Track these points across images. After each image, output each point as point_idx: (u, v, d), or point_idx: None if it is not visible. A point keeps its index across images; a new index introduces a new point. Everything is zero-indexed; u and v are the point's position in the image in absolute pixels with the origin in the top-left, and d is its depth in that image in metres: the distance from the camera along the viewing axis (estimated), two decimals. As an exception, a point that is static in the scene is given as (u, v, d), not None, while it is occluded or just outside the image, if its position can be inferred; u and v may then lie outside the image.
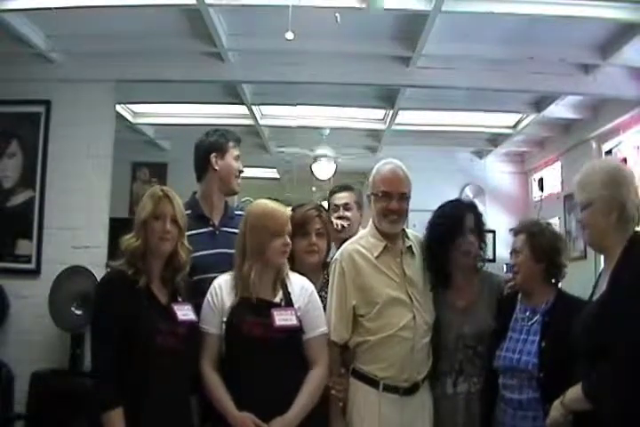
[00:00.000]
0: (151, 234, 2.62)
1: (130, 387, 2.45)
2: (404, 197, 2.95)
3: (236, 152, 3.32)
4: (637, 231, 2.45)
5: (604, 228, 2.41)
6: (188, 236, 2.78)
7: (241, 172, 3.32)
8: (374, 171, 3.03)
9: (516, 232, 2.94)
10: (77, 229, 5.05)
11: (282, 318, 2.65)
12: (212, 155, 3.27)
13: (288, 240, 2.74)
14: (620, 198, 2.40)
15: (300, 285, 2.82)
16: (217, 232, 3.21)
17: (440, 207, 3.14)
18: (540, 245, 2.85)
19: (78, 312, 4.76)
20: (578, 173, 2.56)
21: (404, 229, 3.04)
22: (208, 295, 2.74)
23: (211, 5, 4.43)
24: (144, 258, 2.62)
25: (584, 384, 2.31)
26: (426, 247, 3.05)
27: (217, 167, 3.27)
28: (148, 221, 2.63)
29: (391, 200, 2.92)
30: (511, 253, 2.91)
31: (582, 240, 6.86)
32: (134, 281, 2.57)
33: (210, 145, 3.30)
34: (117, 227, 4.68)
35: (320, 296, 2.90)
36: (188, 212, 3.12)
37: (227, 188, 3.31)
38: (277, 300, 2.73)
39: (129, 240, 2.62)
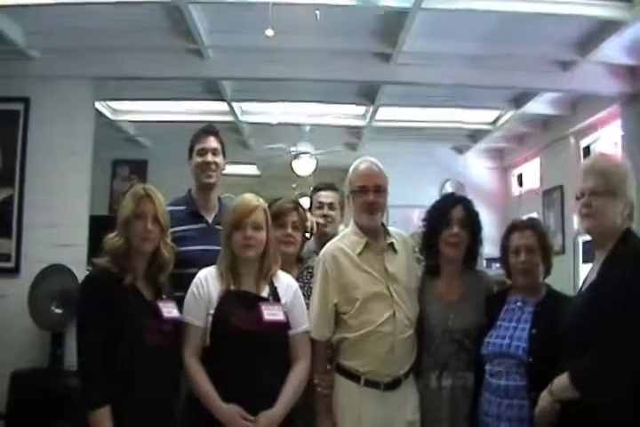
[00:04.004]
0: (133, 233, 2.62)
1: (115, 385, 2.44)
2: (381, 190, 2.99)
3: (199, 146, 3.35)
4: (629, 227, 2.49)
5: (612, 219, 2.43)
6: (181, 231, 2.79)
7: (208, 163, 3.32)
8: (351, 170, 3.08)
9: (520, 228, 2.94)
10: (57, 227, 5.02)
11: (270, 313, 2.66)
12: (188, 160, 3.38)
13: (249, 233, 2.72)
14: (632, 198, 2.48)
15: (285, 281, 2.84)
16: (209, 230, 3.23)
17: (435, 201, 3.18)
18: (549, 246, 2.92)
19: (58, 311, 4.74)
20: (590, 160, 2.62)
21: (385, 227, 3.07)
22: (193, 287, 2.75)
23: (191, 2, 4.44)
24: (127, 256, 2.62)
25: (571, 373, 2.35)
26: (421, 239, 3.11)
27: (190, 168, 3.36)
28: (129, 221, 2.62)
29: (368, 194, 2.95)
30: (517, 249, 2.88)
31: (561, 235, 6.98)
32: (119, 279, 2.57)
33: (188, 151, 3.40)
34: (97, 224, 4.69)
35: None
36: (183, 208, 3.19)
37: (200, 183, 3.35)
38: (265, 294, 2.74)
39: (112, 239, 2.62)
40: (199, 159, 3.33)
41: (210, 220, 3.30)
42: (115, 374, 2.45)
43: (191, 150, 3.38)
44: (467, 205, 3.07)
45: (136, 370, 2.48)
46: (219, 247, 2.88)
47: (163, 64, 5.43)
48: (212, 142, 3.36)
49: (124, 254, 2.61)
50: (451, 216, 3.00)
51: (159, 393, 2.54)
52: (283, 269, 2.93)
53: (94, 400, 2.43)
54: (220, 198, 3.42)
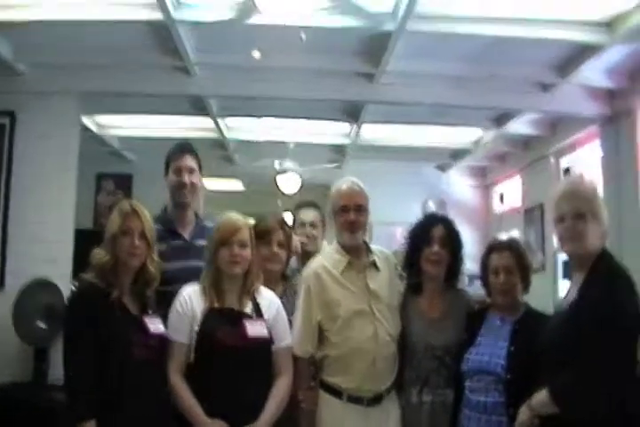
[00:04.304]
0: (120, 249, 2.64)
1: (103, 399, 2.45)
2: (362, 209, 3.04)
3: (175, 165, 3.34)
4: (604, 248, 2.56)
5: (593, 242, 2.50)
6: (160, 249, 2.81)
7: (183, 184, 3.31)
8: (333, 190, 3.13)
9: (499, 249, 2.99)
10: (42, 241, 5.03)
11: (253, 329, 2.70)
12: (165, 176, 3.37)
13: (235, 251, 2.76)
14: (606, 220, 2.55)
15: (268, 298, 2.88)
16: (189, 246, 3.24)
17: (417, 220, 3.23)
18: (527, 266, 2.97)
19: (43, 326, 4.73)
20: (568, 184, 2.66)
21: (367, 245, 3.12)
22: (177, 304, 2.76)
23: (178, 21, 4.48)
24: (114, 272, 2.64)
25: (551, 389, 2.40)
26: (403, 257, 3.16)
27: (166, 183, 3.36)
28: (116, 237, 2.65)
29: (349, 213, 3.01)
30: (496, 270, 2.93)
31: (541, 253, 7.06)
32: (106, 294, 2.59)
33: (164, 166, 3.39)
34: (82, 238, 4.70)
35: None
36: (158, 226, 3.14)
37: (175, 201, 3.34)
38: (248, 311, 2.78)
39: (99, 254, 2.65)
40: (174, 178, 3.31)
41: (187, 236, 3.29)
42: (103, 389, 2.46)
43: (167, 166, 3.36)
44: (447, 224, 3.13)
45: (124, 384, 2.50)
46: (198, 263, 2.90)
47: (150, 81, 5.48)
48: (188, 161, 3.34)
49: (111, 270, 2.63)
50: (432, 235, 3.05)
51: (147, 407, 2.54)
52: (267, 286, 2.97)
53: (81, 414, 2.44)
54: (196, 214, 3.41)
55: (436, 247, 3.03)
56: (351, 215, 3.00)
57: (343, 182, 3.12)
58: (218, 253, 2.77)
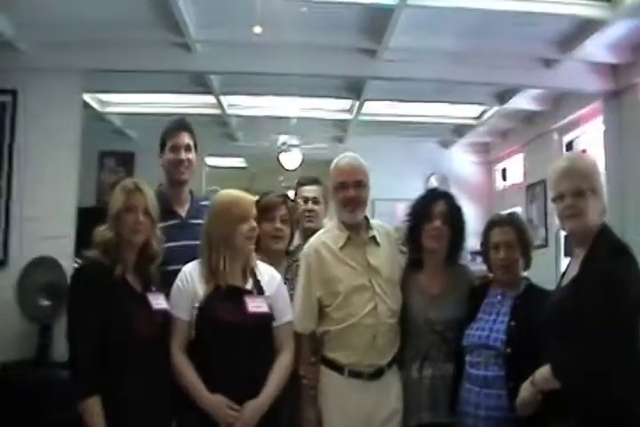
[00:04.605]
0: (124, 226, 2.66)
1: (107, 376, 2.47)
2: (361, 185, 3.03)
3: (171, 142, 3.32)
4: (604, 223, 2.57)
5: (593, 218, 2.52)
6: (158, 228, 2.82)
7: (181, 160, 3.31)
8: (332, 166, 3.12)
9: (499, 224, 3.00)
10: (45, 219, 5.02)
11: (254, 305, 2.72)
12: (160, 153, 3.36)
13: (254, 224, 2.81)
14: (604, 194, 2.57)
15: (269, 274, 2.90)
16: (184, 224, 3.25)
17: (418, 196, 3.23)
18: (528, 241, 2.98)
19: (46, 303, 4.76)
20: (566, 161, 2.65)
21: (367, 220, 3.12)
22: (178, 282, 2.79)
23: (179, -3, 4.45)
24: (118, 249, 2.65)
25: (553, 364, 2.43)
26: (405, 233, 3.16)
27: (162, 163, 3.35)
28: (120, 214, 2.67)
29: (348, 189, 3.00)
30: (496, 246, 2.95)
31: (543, 229, 7.07)
32: (110, 271, 2.61)
33: (159, 144, 3.37)
34: (85, 216, 4.71)
35: (284, 282, 3.01)
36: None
37: (171, 179, 3.34)
38: (249, 287, 2.80)
39: (103, 232, 2.66)
40: (171, 156, 3.30)
41: (183, 214, 3.30)
42: (106, 366, 2.48)
43: (163, 145, 3.34)
44: (449, 199, 3.13)
45: (128, 361, 2.52)
46: (195, 242, 2.90)
47: (150, 57, 5.44)
48: (185, 138, 3.33)
49: (115, 247, 2.64)
50: (433, 210, 3.06)
51: (151, 383, 2.57)
52: (271, 262, 3.00)
53: (85, 390, 2.46)
54: (191, 192, 3.41)
55: (436, 223, 3.03)
56: (351, 192, 3.00)
57: (342, 158, 3.11)
58: (236, 230, 2.77)
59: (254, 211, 2.83)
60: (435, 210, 3.06)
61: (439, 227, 3.03)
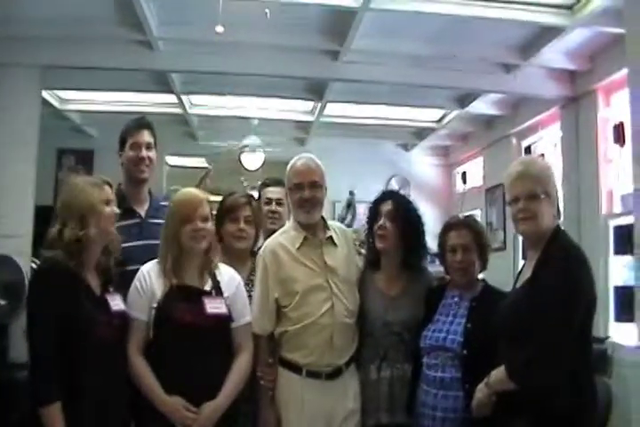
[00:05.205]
0: (104, 220, 2.60)
1: (66, 380, 2.42)
2: (316, 186, 3.03)
3: (132, 140, 3.27)
4: (558, 225, 2.63)
5: (547, 221, 2.56)
6: (116, 227, 2.78)
7: (142, 158, 3.25)
8: (288, 167, 3.12)
9: (456, 227, 3.02)
10: (1, 217, 4.96)
11: (212, 306, 2.70)
12: (119, 152, 3.31)
13: (199, 226, 2.75)
14: (557, 197, 2.63)
15: (228, 275, 2.88)
16: (143, 224, 3.21)
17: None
18: (485, 244, 3.01)
19: (2, 302, 4.68)
20: (521, 165, 2.67)
21: (324, 220, 3.13)
22: (136, 281, 2.75)
23: (141, -6, 4.43)
24: (82, 247, 2.57)
25: (508, 366, 2.46)
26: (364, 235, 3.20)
27: (121, 161, 3.30)
28: (96, 208, 2.59)
29: (303, 190, 3.01)
30: (453, 248, 2.97)
31: (502, 232, 7.17)
32: (72, 272, 2.53)
33: (119, 142, 3.32)
34: (42, 215, 4.64)
35: (248, 283, 3.01)
36: None
37: (131, 177, 3.29)
38: (208, 288, 2.78)
39: (72, 231, 2.55)
40: (132, 153, 3.24)
41: (143, 214, 3.25)
42: (66, 370, 2.42)
43: (123, 143, 3.29)
44: (397, 199, 3.15)
45: (87, 363, 2.47)
46: (156, 241, 2.87)
47: (112, 54, 5.41)
48: (146, 136, 3.28)
49: (78, 244, 2.55)
50: (380, 209, 3.08)
51: (109, 386, 2.53)
52: (235, 263, 2.99)
53: (46, 396, 2.40)
54: (150, 191, 3.37)
55: (382, 221, 3.05)
56: (306, 192, 3.00)
57: (298, 159, 3.11)
58: (181, 230, 2.74)
59: (202, 211, 2.78)
60: (382, 209, 3.08)
61: (384, 225, 3.04)
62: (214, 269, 2.84)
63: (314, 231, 3.04)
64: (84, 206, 2.58)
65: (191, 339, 2.63)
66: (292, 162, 3.12)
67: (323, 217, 3.11)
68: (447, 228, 3.05)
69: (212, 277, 2.81)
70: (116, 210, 2.66)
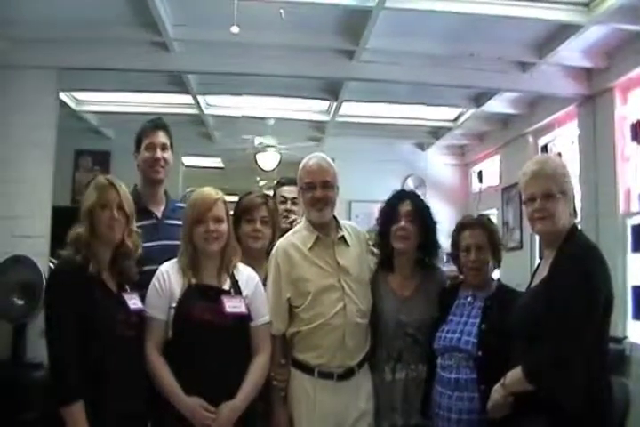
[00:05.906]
0: (99, 223, 2.62)
1: (86, 379, 2.42)
2: (328, 186, 3.03)
3: (147, 140, 3.29)
4: (574, 224, 2.61)
5: (564, 219, 2.55)
6: None
7: (157, 159, 3.26)
8: (300, 167, 3.11)
9: (470, 226, 3.01)
10: (19, 218, 5.00)
11: (231, 305, 2.70)
12: (135, 153, 3.32)
13: (211, 227, 2.75)
14: (574, 195, 2.62)
15: (247, 274, 2.88)
16: (160, 224, 3.22)
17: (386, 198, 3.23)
18: (498, 243, 3.01)
19: (20, 302, 4.72)
20: (536, 164, 2.64)
21: (337, 220, 3.12)
22: (155, 281, 2.76)
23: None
24: (91, 247, 2.60)
25: (524, 366, 2.44)
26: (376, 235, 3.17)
27: (137, 162, 3.31)
28: (94, 211, 2.62)
29: (315, 189, 3.01)
30: (467, 248, 2.96)
31: (519, 231, 7.13)
32: (84, 269, 2.55)
33: (135, 143, 3.34)
34: (60, 216, 4.68)
35: (264, 283, 2.99)
36: None
37: (147, 178, 3.30)
38: (227, 287, 2.78)
39: (76, 230, 2.61)
40: (147, 154, 3.25)
41: (159, 214, 3.26)
42: (87, 369, 2.43)
43: (139, 143, 3.30)
44: (415, 199, 3.14)
45: (108, 364, 2.48)
46: (172, 242, 2.89)
47: (128, 56, 5.43)
48: (161, 137, 3.29)
49: (87, 244, 2.58)
50: (399, 210, 3.06)
51: (131, 385, 2.54)
52: (252, 263, 2.97)
53: (68, 395, 2.40)
54: (166, 192, 3.37)
55: (402, 223, 3.04)
56: (317, 192, 3.00)
57: (310, 159, 3.10)
58: (194, 230, 2.76)
59: (216, 212, 2.78)
60: (401, 210, 3.06)
61: (405, 226, 3.03)
62: (233, 269, 2.84)
63: (326, 231, 3.04)
64: (86, 207, 2.63)
65: (210, 338, 2.63)
66: (303, 161, 3.12)
67: (335, 217, 3.11)
68: (461, 227, 3.03)
69: (230, 276, 2.81)
70: (116, 214, 2.64)
